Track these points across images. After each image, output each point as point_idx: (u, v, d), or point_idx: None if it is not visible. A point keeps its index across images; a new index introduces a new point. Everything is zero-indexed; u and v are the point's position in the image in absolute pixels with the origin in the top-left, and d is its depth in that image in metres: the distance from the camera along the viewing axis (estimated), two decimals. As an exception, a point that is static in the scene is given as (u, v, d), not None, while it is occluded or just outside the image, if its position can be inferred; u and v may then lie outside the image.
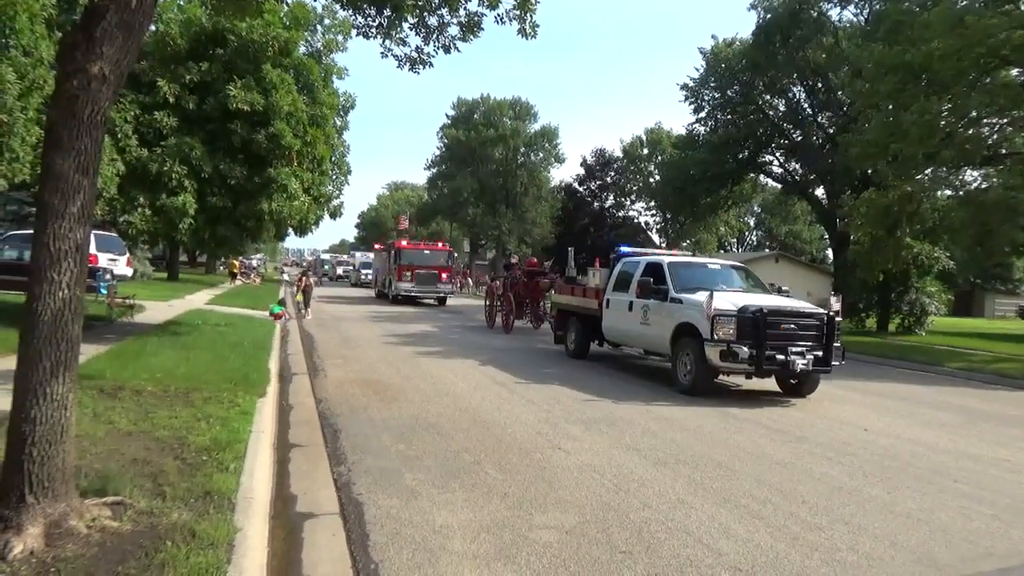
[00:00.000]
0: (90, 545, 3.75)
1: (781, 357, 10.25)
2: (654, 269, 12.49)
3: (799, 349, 10.44)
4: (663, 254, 14.64)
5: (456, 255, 46.72)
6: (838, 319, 11.05)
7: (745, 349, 10.17)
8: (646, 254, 14.37)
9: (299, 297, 23.05)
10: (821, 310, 11.12)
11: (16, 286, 14.79)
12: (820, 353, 10.57)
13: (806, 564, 4.47)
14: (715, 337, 10.31)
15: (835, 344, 10.75)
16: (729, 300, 10.80)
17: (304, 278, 23.39)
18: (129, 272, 21.36)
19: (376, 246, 43.07)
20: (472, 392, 10.15)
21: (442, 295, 32.42)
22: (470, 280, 54.06)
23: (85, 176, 4.00)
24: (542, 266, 24.23)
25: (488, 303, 22.99)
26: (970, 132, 19.36)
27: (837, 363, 10.81)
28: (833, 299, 11.19)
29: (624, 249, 14.80)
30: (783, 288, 12.90)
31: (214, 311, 19.54)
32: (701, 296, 10.89)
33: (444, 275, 32.31)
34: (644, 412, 9.23)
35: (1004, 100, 17.96)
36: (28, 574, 3.43)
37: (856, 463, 7.14)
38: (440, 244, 36.11)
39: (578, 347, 14.98)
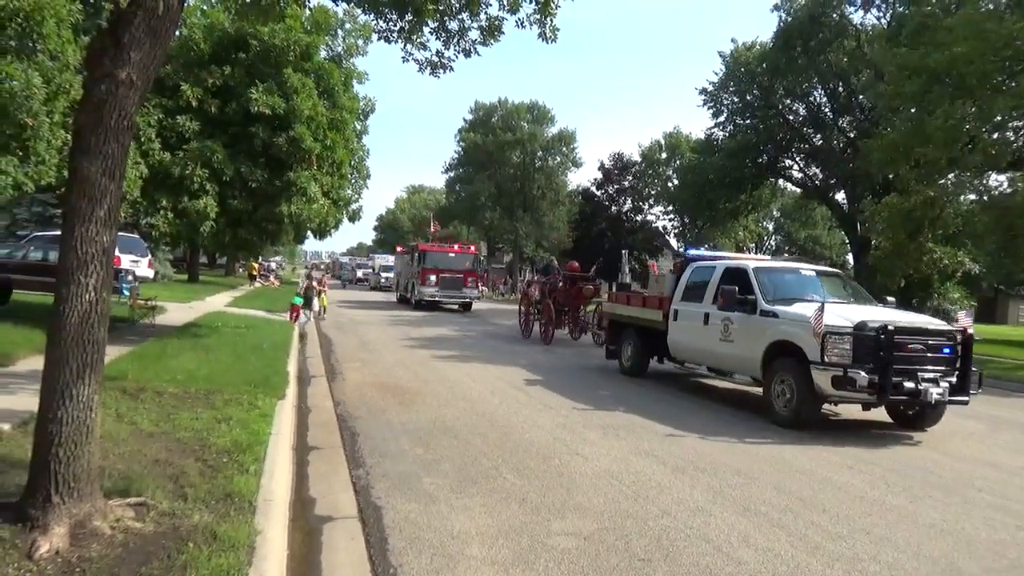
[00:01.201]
0: (114, 545, 3.79)
1: (910, 385, 8.39)
2: (737, 276, 10.60)
3: (931, 375, 8.61)
4: (741, 258, 12.92)
5: (483, 258, 45.41)
6: (974, 338, 9.32)
7: (864, 374, 8.32)
8: (717, 258, 12.55)
9: (324, 302, 23.07)
10: (953, 327, 9.43)
11: (41, 287, 15.03)
12: (954, 379, 8.79)
13: (827, 574, 4.42)
14: (826, 359, 8.53)
15: (971, 368, 9.00)
16: (841, 314, 8.99)
17: (309, 281, 23.38)
18: (151, 274, 21.63)
19: (398, 249, 41.68)
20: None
21: (467, 300, 30.81)
22: (486, 285, 54.03)
23: (112, 180, 4.05)
24: (586, 270, 22.18)
25: (523, 310, 20.98)
26: (995, 136, 19.12)
27: (975, 391, 9.07)
28: (962, 313, 9.76)
29: (693, 252, 13.20)
30: (888, 299, 11.41)
31: (234, 313, 19.71)
32: (802, 308, 9.28)
33: (470, 279, 30.70)
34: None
35: (1030, 104, 17.73)
36: (54, 573, 3.48)
37: (878, 472, 7.05)
38: (466, 247, 34.47)
39: (635, 363, 13.13)
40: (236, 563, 3.70)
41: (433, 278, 29.49)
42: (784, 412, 9.11)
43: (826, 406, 9.56)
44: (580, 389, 11.26)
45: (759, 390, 10.13)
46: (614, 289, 18.87)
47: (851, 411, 10.10)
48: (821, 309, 8.67)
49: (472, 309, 31.23)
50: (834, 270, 12.01)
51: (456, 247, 33.33)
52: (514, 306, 26.18)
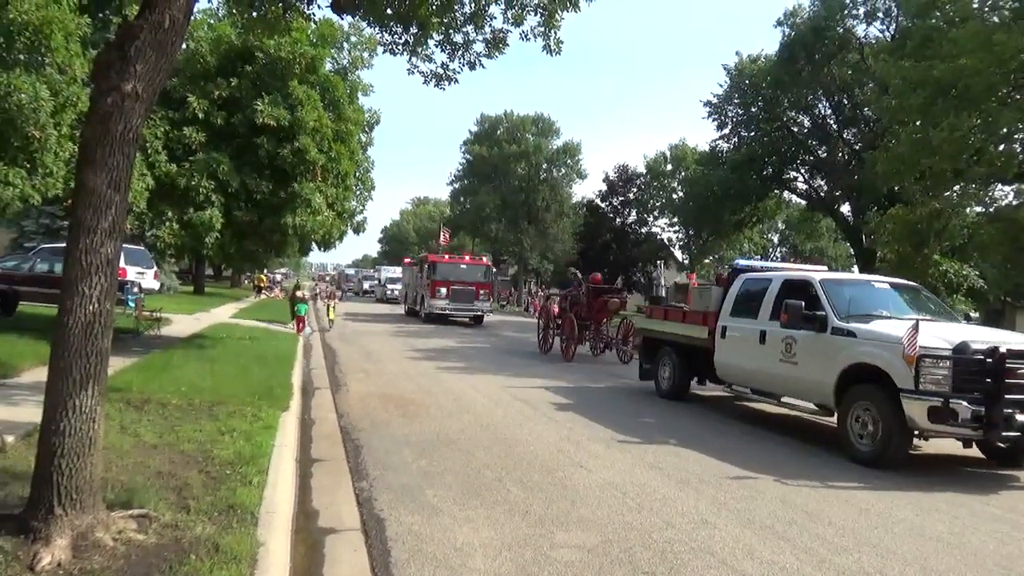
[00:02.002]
0: (116, 558, 3.78)
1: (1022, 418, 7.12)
2: (799, 289, 9.39)
3: None
4: (798, 268, 11.74)
5: (495, 270, 44.01)
6: None
7: (967, 406, 7.08)
8: (770, 269, 11.40)
9: (331, 315, 23.03)
10: None
11: (47, 298, 15.07)
12: None
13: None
14: (921, 387, 7.30)
15: None
16: (937, 334, 7.73)
17: (298, 291, 23.24)
18: (156, 285, 21.65)
19: (406, 260, 40.77)
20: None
21: (479, 313, 29.63)
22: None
23: (117, 192, 4.07)
24: (610, 282, 21.24)
25: (542, 324, 19.76)
26: (1001, 148, 19.10)
27: None
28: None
29: (743, 263, 11.90)
30: (970, 315, 10.16)
31: (239, 324, 19.74)
32: (884, 326, 8.17)
33: (482, 291, 29.51)
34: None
35: (1036, 117, 17.72)
36: (55, 585, 3.47)
37: (885, 482, 7.00)
38: (478, 258, 33.29)
39: (675, 385, 11.84)
40: (239, 575, 3.69)
41: (443, 290, 28.37)
42: (865, 448, 7.80)
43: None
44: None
45: (822, 418, 9.23)
46: (645, 302, 17.50)
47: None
48: (916, 328, 7.38)
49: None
50: (910, 283, 10.58)
51: (467, 258, 32.40)
52: (520, 318, 26.05)
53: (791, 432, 9.63)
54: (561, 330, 18.39)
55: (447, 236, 47.75)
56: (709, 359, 10.93)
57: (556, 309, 19.29)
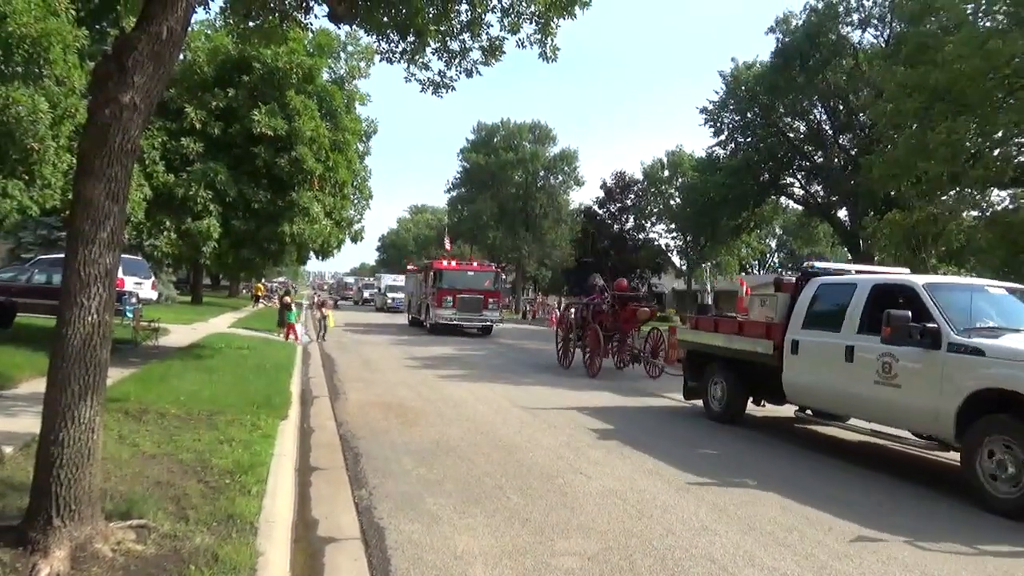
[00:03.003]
0: (115, 569, 3.76)
1: None
2: (898, 296, 7.93)
3: None
4: (888, 272, 10.11)
5: (504, 277, 41.65)
6: None
7: None
8: (850, 272, 9.73)
9: (331, 323, 22.97)
10: None
11: (45, 309, 15.06)
12: None
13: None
14: None
15: None
16: None
17: (287, 297, 23.18)
18: (154, 295, 21.66)
19: (409, 267, 39.01)
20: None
21: (488, 324, 28.00)
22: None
23: (115, 203, 4.07)
24: (634, 289, 19.75)
25: (561, 335, 18.36)
26: (997, 152, 19.19)
27: None
28: None
29: (818, 265, 10.08)
30: None
31: (237, 334, 19.72)
32: (1020, 342, 6.74)
33: (491, 300, 27.80)
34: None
35: (1030, 121, 17.83)
36: (54, 597, 3.45)
37: (878, 484, 6.99)
38: (486, 264, 31.29)
39: (729, 407, 10.28)
40: (237, 585, 3.69)
41: (450, 299, 26.86)
42: (1008, 496, 6.21)
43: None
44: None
45: (928, 450, 8.08)
46: (690, 313, 16.35)
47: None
48: None
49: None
50: None
51: (475, 264, 30.87)
52: (519, 326, 25.67)
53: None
54: (584, 342, 16.92)
55: (449, 243, 44.75)
56: (774, 378, 9.36)
57: (576, 319, 17.71)
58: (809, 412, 9.58)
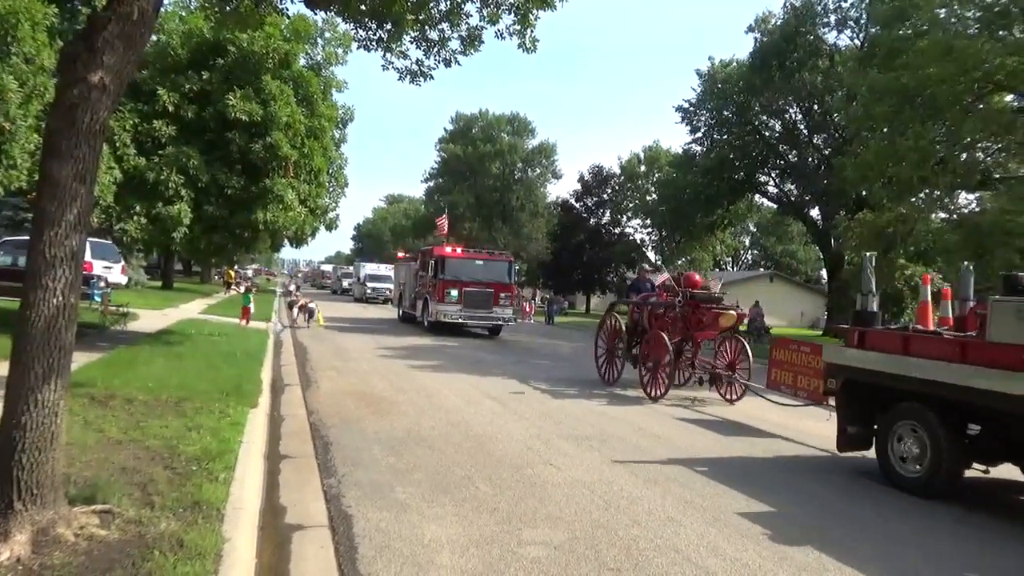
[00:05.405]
0: (77, 553, 3.73)
1: None
2: None
3: None
4: None
5: (518, 267, 36.16)
6: None
7: None
8: None
9: (321, 321, 22.64)
10: None
11: (10, 292, 14.77)
12: None
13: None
14: None
15: None
16: None
17: (249, 282, 22.94)
18: (123, 280, 21.32)
19: (399, 255, 34.12)
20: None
21: (498, 322, 23.74)
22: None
23: (82, 184, 4.02)
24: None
25: (604, 344, 14.24)
26: (964, 157, 19.60)
27: None
28: None
29: None
30: None
31: (208, 320, 19.49)
32: None
33: (502, 295, 23.44)
34: None
35: (997, 127, 18.22)
36: (14, 581, 3.42)
37: (859, 486, 7.12)
38: (500, 253, 26.94)
39: (938, 473, 6.58)
40: (202, 571, 3.68)
41: (455, 293, 22.58)
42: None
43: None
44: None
45: None
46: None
47: None
48: None
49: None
50: None
51: (485, 253, 26.18)
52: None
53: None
54: (645, 355, 12.72)
55: (444, 226, 36.25)
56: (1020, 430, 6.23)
57: (636, 322, 13.81)
58: None
